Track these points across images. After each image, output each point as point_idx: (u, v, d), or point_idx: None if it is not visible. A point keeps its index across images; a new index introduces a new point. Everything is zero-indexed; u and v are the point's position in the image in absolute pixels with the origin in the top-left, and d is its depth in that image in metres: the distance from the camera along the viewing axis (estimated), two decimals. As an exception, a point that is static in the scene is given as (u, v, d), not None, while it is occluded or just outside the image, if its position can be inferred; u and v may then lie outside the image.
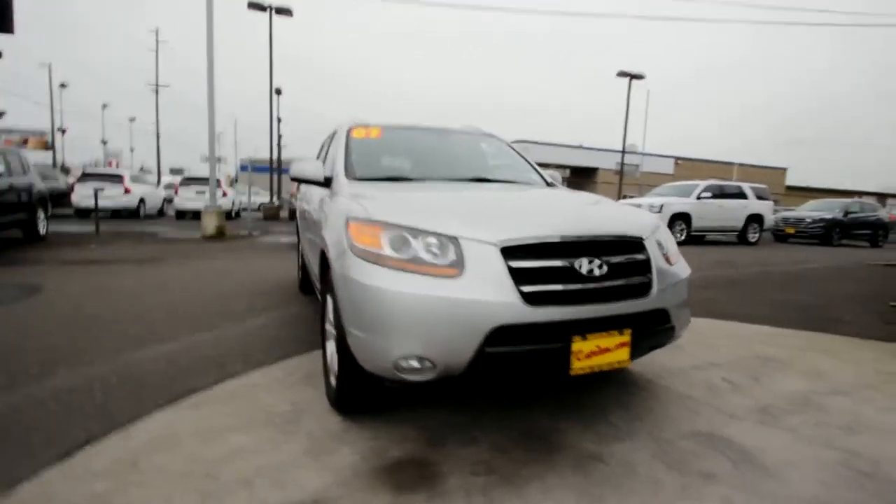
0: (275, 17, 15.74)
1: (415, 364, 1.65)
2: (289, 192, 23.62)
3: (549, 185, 3.15)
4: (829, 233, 14.33)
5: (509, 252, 1.70)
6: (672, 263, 2.07)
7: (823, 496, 1.62)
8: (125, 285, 4.96)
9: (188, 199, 14.94)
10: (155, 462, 1.77)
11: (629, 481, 1.69)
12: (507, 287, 1.64)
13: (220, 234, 9.94)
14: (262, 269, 6.14)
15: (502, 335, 1.62)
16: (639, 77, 23.34)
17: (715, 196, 13.05)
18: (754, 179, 24.59)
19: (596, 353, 1.71)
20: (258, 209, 23.38)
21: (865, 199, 20.92)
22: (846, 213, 14.84)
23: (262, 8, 14.99)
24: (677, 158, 40.75)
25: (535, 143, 35.48)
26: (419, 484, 1.66)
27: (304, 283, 4.50)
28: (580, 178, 36.80)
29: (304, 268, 4.36)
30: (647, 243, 1.96)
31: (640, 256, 1.90)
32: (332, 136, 3.67)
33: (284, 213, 17.57)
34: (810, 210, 15.60)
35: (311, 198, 3.36)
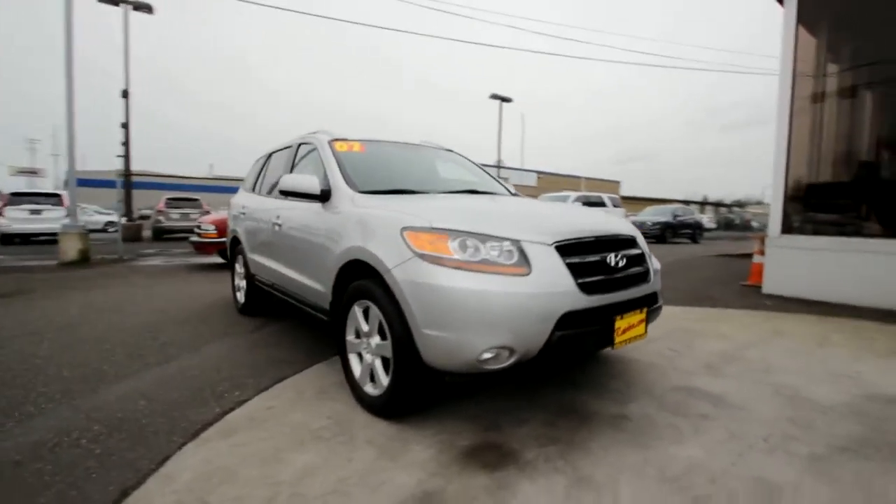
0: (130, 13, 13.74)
1: (498, 354, 1.84)
2: (150, 208, 20.65)
3: (513, 194, 3.54)
4: (664, 233, 17.64)
5: (560, 251, 2.01)
6: (651, 257, 2.60)
7: (779, 413, 2.24)
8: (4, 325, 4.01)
9: (18, 220, 12.14)
10: (227, 494, 1.65)
11: (656, 428, 2.11)
12: (569, 280, 1.94)
13: (84, 259, 8.36)
14: (173, 294, 5.42)
15: (568, 320, 1.91)
16: (507, 100, 25.91)
17: (584, 204, 15.18)
18: (597, 190, 28.99)
19: (628, 329, 2.11)
20: (107, 228, 19.98)
21: (683, 206, 26.08)
22: (675, 217, 18.44)
23: (115, 2, 12.97)
24: (539, 172, 45.95)
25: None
26: (503, 461, 1.85)
27: (252, 304, 4.20)
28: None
29: (252, 289, 4.08)
30: (638, 240, 2.45)
31: (637, 251, 2.37)
32: (295, 151, 3.56)
33: (147, 232, 15.28)
34: (649, 215, 18.98)
35: (288, 214, 3.22)
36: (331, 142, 3.16)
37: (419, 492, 1.66)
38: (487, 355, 1.83)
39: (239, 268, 4.48)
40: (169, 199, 14.50)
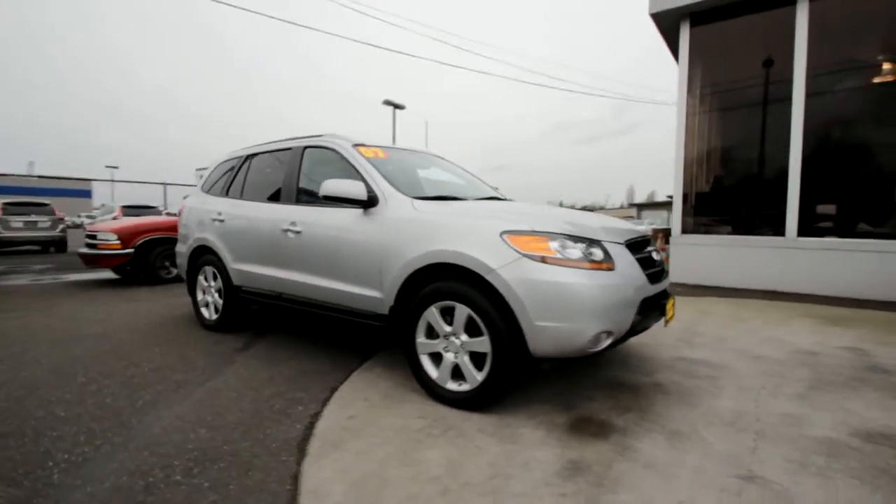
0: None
1: (601, 338, 2.15)
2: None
3: (506, 199, 3.87)
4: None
5: (628, 248, 2.41)
6: None
7: (754, 369, 2.94)
8: None
9: None
10: (396, 495, 1.68)
11: (688, 389, 2.63)
12: (640, 272, 2.35)
13: None
14: (98, 317, 4.52)
15: (644, 305, 2.31)
16: (400, 107, 26.30)
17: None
18: None
19: (670, 309, 2.60)
20: None
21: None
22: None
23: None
24: (426, 179, 47.38)
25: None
26: (605, 430, 2.17)
27: (229, 319, 3.83)
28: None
29: (232, 303, 3.74)
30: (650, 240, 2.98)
31: (654, 248, 2.90)
32: (300, 155, 3.40)
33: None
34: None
35: (312, 220, 3.08)
36: (356, 147, 3.14)
37: (566, 462, 1.89)
38: (594, 340, 2.13)
39: (205, 281, 4.04)
40: (7, 203, 11.69)
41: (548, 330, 2.11)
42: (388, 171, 3.02)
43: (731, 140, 6.57)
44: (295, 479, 1.80)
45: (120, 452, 1.99)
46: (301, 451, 2.00)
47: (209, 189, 4.23)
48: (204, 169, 4.69)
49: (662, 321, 2.53)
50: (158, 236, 6.74)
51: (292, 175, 3.40)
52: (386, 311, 2.69)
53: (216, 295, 3.96)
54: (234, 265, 3.69)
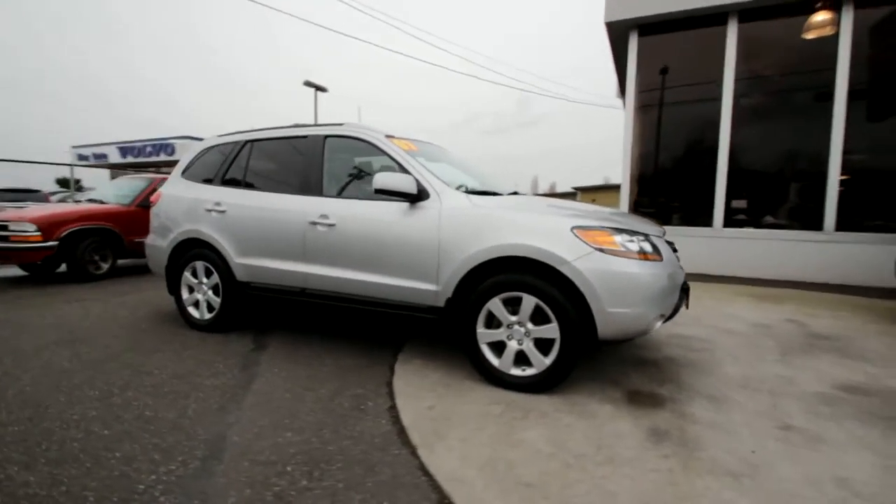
0: None
1: (658, 320, 2.45)
2: None
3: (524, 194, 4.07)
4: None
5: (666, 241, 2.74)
6: None
7: (740, 341, 3.51)
8: None
9: None
10: (530, 473, 1.82)
11: (697, 364, 3.08)
12: (678, 261, 2.69)
13: None
14: (59, 321, 3.86)
15: (683, 290, 2.67)
16: (322, 89, 25.06)
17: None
18: None
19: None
20: None
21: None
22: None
23: None
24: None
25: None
26: (657, 399, 2.49)
27: (229, 317, 3.56)
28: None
29: (235, 300, 3.48)
30: None
31: (663, 241, 3.30)
32: (322, 144, 3.26)
33: None
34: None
35: (352, 214, 3.00)
36: (390, 138, 3.11)
37: (647, 430, 2.16)
38: (653, 322, 2.43)
39: (193, 278, 3.70)
40: None
41: (617, 315, 2.36)
42: (432, 165, 3.04)
43: (669, 140, 7.43)
44: (423, 470, 1.84)
45: (215, 466, 1.86)
46: (406, 444, 2.04)
47: (194, 176, 3.84)
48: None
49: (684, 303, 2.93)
50: (86, 226, 5.88)
51: (314, 165, 3.25)
52: (442, 303, 2.75)
53: (210, 293, 3.64)
54: (239, 260, 3.43)
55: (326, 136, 3.30)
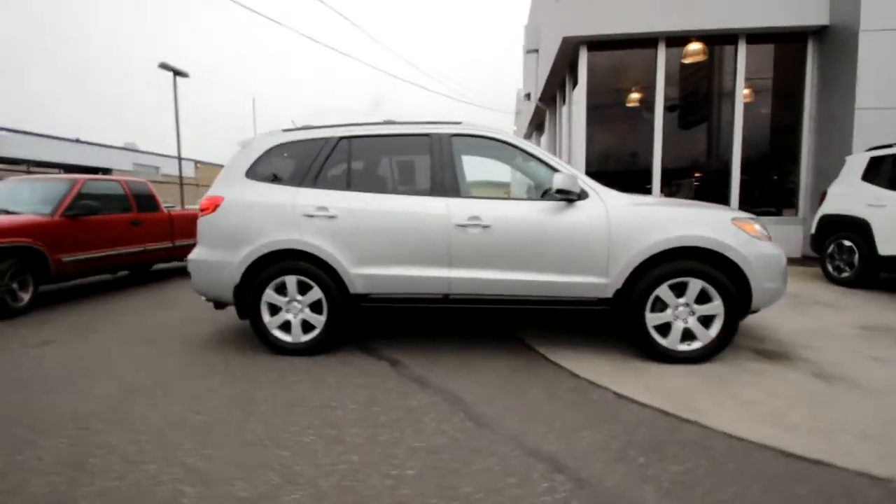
0: None
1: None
2: None
3: None
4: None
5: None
6: None
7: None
8: None
9: None
10: (704, 403, 2.22)
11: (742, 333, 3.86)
12: None
13: None
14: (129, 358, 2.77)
15: None
16: (182, 74, 21.55)
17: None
18: None
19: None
20: None
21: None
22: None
23: None
24: (197, 162, 40.00)
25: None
26: (775, 357, 3.12)
27: (335, 334, 3.17)
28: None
29: (341, 317, 3.13)
30: None
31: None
32: (444, 143, 3.13)
33: None
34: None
35: (512, 215, 3.00)
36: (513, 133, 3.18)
37: (810, 375, 2.74)
38: (783, 293, 3.04)
39: (279, 295, 3.18)
40: None
41: (769, 289, 2.91)
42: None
43: (608, 142, 8.56)
44: (727, 434, 2.08)
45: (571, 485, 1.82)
46: (666, 415, 2.25)
47: (263, 177, 3.27)
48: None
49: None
50: (3, 244, 4.37)
51: (445, 165, 3.12)
52: (611, 294, 2.96)
53: (307, 310, 3.18)
54: (356, 270, 3.08)
55: (452, 136, 3.18)
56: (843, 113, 6.74)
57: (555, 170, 3.07)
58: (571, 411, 2.35)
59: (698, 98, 8.13)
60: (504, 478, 1.77)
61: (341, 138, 3.29)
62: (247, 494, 1.68)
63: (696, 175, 8.33)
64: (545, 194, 3.14)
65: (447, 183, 3.11)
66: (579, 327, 3.77)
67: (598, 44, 7.70)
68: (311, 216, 3.12)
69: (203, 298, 3.44)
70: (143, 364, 3.11)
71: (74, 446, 2.05)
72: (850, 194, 5.24)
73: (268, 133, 3.42)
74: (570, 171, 3.05)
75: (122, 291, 5.83)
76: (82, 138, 30.88)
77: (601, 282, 2.96)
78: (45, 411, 2.40)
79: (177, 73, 21.73)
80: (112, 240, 5.63)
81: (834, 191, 5.56)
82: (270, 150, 3.34)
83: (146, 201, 6.32)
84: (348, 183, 3.22)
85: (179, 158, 17.94)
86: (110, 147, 31.72)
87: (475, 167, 3.79)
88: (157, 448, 2.02)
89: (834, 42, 7.00)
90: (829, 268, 5.44)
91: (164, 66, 21.16)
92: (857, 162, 5.33)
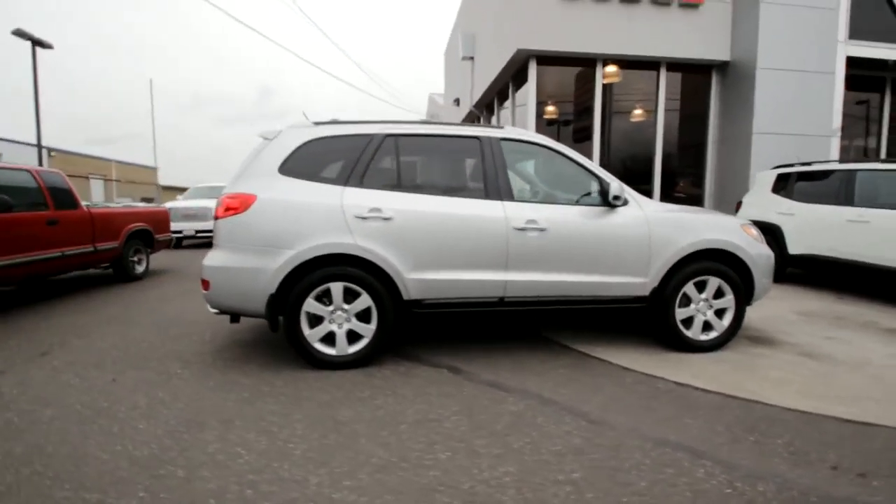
0: None
1: (768, 284, 3.64)
2: None
3: None
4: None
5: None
6: None
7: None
8: None
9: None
10: (772, 372, 2.68)
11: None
12: None
13: None
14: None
15: None
16: (46, 45, 17.82)
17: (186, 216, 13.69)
18: (133, 176, 29.15)
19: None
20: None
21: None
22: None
23: None
24: (50, 149, 33.29)
25: None
26: (769, 339, 3.70)
27: (384, 343, 2.99)
28: None
29: (391, 325, 2.98)
30: None
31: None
32: (494, 146, 3.15)
33: None
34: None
35: (562, 219, 3.12)
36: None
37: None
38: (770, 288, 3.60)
39: (322, 304, 2.91)
40: None
41: (765, 284, 3.44)
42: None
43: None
44: (789, 409, 2.44)
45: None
46: (732, 398, 2.57)
47: (298, 174, 2.95)
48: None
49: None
50: None
51: (497, 168, 3.13)
52: (648, 292, 3.24)
53: (354, 319, 2.96)
54: (412, 275, 2.95)
55: (502, 139, 3.21)
56: (742, 136, 8.12)
57: (595, 176, 3.26)
58: (655, 401, 2.55)
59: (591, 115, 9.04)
60: (662, 468, 1.88)
61: (387, 136, 3.11)
62: (436, 521, 1.56)
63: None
64: (580, 199, 3.30)
65: (502, 186, 3.13)
66: (593, 324, 4.03)
67: (546, 58, 8.23)
68: (364, 218, 2.91)
69: (214, 311, 3.00)
70: (164, 395, 2.62)
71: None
72: (763, 204, 6.34)
73: (298, 125, 3.10)
74: (615, 179, 3.27)
75: (37, 306, 4.74)
76: None
77: (642, 281, 3.23)
78: (120, 458, 1.91)
79: (36, 42, 18.21)
80: (24, 243, 4.57)
81: (748, 200, 6.68)
82: (307, 144, 3.03)
83: (63, 196, 5.23)
84: (398, 183, 3.07)
85: (39, 147, 14.86)
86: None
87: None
88: (285, 489, 1.75)
89: (734, 76, 8.40)
90: (747, 265, 6.51)
91: (19, 33, 17.61)
92: (767, 178, 6.47)
